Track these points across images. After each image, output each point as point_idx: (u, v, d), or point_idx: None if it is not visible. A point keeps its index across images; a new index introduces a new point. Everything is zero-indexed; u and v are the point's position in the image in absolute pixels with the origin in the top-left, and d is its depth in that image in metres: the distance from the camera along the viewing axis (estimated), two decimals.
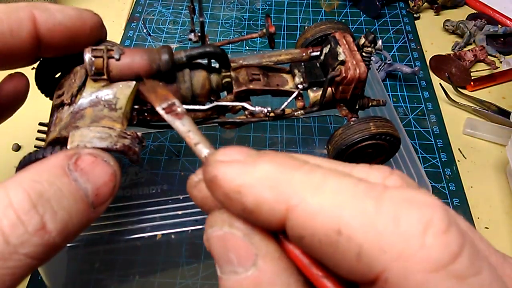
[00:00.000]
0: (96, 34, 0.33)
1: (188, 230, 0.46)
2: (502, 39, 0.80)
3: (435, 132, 0.65)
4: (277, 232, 0.20)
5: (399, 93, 0.71)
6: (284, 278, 0.19)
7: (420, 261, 0.16)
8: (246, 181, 0.19)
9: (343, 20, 0.83)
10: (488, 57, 0.77)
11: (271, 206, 0.19)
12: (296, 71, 0.40)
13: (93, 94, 0.32)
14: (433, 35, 0.82)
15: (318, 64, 0.41)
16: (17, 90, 0.38)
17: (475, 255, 0.17)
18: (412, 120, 0.67)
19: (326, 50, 0.40)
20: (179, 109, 0.28)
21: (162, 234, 0.46)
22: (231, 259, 0.20)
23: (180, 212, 0.47)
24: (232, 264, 0.20)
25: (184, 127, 0.26)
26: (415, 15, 0.85)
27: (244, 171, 0.20)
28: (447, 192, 0.57)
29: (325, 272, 0.19)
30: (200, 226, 0.46)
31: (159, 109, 0.28)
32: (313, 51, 0.42)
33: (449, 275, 0.16)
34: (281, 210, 0.18)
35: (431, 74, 0.74)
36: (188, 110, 0.36)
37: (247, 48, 0.78)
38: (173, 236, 0.47)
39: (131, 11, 0.83)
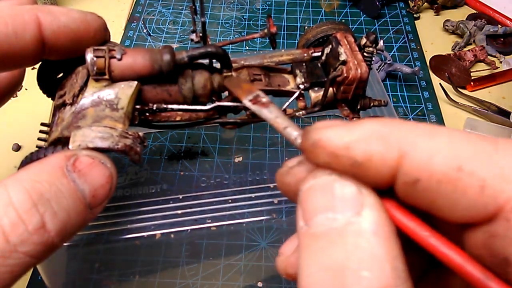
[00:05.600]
0: (100, 37, 0.33)
1: (187, 230, 0.46)
2: (502, 39, 0.80)
3: None
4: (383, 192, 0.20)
5: (399, 93, 0.71)
6: (385, 231, 0.19)
7: None
8: (353, 137, 0.19)
9: (343, 20, 0.83)
10: (488, 57, 0.77)
11: (382, 156, 0.19)
12: (297, 71, 0.40)
13: (95, 94, 0.32)
14: (433, 35, 0.82)
15: (319, 65, 0.41)
16: (13, 73, 0.38)
17: None
18: (412, 120, 0.67)
19: (327, 50, 0.40)
20: (264, 99, 0.29)
21: (162, 234, 0.46)
22: (334, 206, 0.19)
23: (179, 212, 0.47)
24: (333, 211, 0.19)
25: (272, 114, 0.27)
26: (415, 15, 0.85)
27: (349, 130, 0.20)
28: None
29: (431, 231, 0.19)
30: (200, 226, 0.47)
31: (246, 101, 0.30)
32: (314, 52, 0.42)
33: None
34: (393, 159, 0.19)
35: (431, 74, 0.75)
36: (189, 111, 0.36)
37: (247, 48, 0.78)
38: (172, 236, 0.47)
39: (131, 11, 0.83)
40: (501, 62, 0.77)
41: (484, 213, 0.18)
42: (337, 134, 0.20)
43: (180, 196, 0.50)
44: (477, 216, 0.18)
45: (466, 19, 0.82)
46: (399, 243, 0.19)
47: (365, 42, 0.39)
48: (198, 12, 0.36)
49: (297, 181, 0.23)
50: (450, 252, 0.18)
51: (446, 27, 0.81)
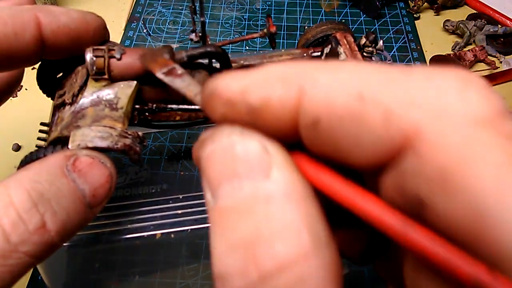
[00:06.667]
0: (99, 37, 0.33)
1: (187, 230, 0.46)
2: (502, 39, 0.80)
3: None
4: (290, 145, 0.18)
5: None
6: (299, 191, 0.16)
7: (463, 115, 0.14)
8: (251, 81, 0.17)
9: (343, 20, 0.83)
10: (488, 57, 0.77)
11: (281, 97, 0.16)
12: None
13: (94, 93, 0.32)
14: (433, 35, 0.82)
15: None
16: (11, 72, 0.38)
17: None
18: None
19: (327, 50, 0.40)
20: (179, 71, 0.27)
21: (162, 234, 0.46)
22: (237, 172, 0.16)
23: (179, 212, 0.47)
24: (238, 178, 0.16)
25: (184, 83, 0.25)
26: (415, 15, 0.85)
27: (248, 75, 0.17)
28: None
29: (346, 182, 0.16)
30: (200, 226, 0.47)
31: (159, 74, 0.28)
32: (314, 52, 0.42)
33: (498, 132, 0.14)
34: (292, 99, 0.16)
35: None
36: (188, 110, 0.36)
37: (247, 48, 0.78)
38: (172, 236, 0.47)
39: (131, 11, 0.83)
40: (501, 62, 0.77)
41: (391, 147, 0.15)
42: (234, 80, 0.17)
43: (180, 196, 0.50)
44: (384, 154, 0.15)
45: (466, 19, 0.82)
46: (318, 203, 0.16)
47: (365, 42, 0.39)
48: (198, 12, 0.36)
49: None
50: (365, 202, 0.15)
51: (446, 27, 0.81)
